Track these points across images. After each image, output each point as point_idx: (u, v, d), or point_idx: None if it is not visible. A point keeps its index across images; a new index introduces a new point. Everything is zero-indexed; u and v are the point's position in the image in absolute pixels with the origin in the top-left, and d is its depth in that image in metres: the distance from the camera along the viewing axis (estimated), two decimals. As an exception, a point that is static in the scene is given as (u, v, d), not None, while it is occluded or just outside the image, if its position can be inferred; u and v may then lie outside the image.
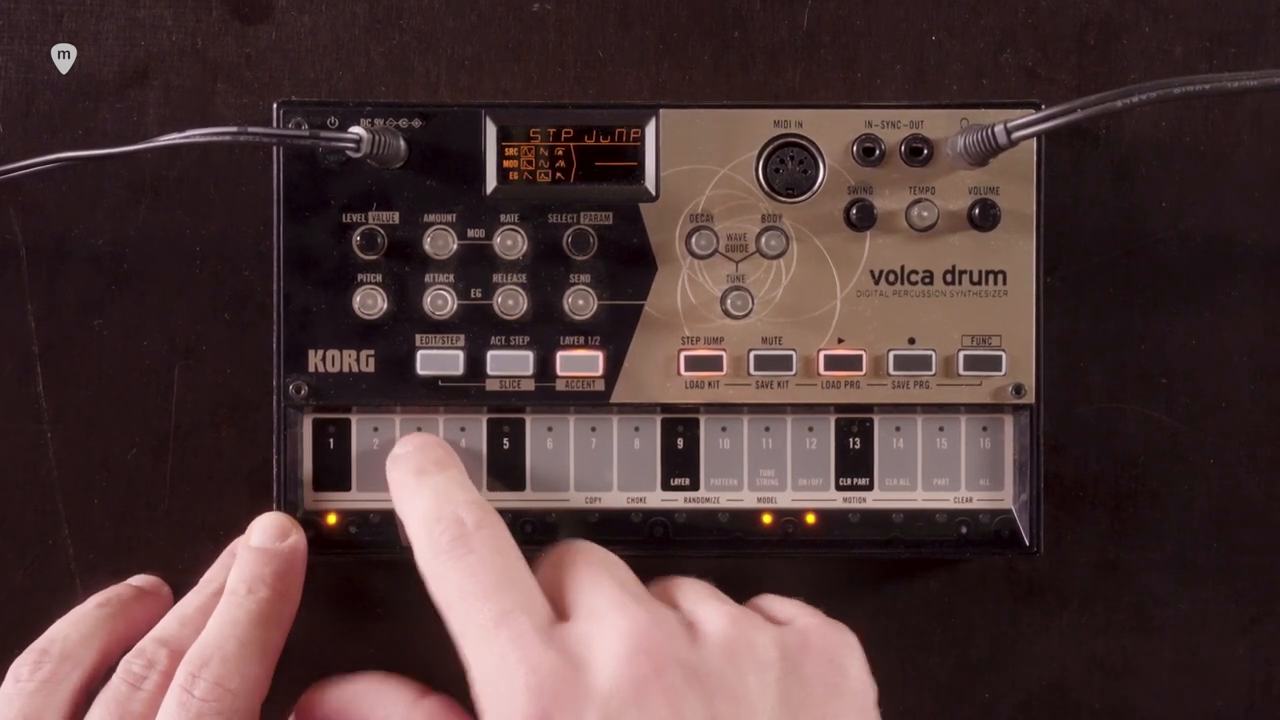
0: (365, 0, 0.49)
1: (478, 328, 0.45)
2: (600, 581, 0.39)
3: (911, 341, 0.45)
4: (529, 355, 0.45)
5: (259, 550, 0.44)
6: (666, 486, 0.47)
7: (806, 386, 0.45)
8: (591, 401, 0.45)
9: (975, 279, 0.45)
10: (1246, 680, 0.50)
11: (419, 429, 0.46)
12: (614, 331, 0.45)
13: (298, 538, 0.44)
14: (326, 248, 0.45)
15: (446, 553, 0.39)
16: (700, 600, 0.40)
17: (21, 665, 0.42)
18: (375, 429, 0.46)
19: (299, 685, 0.48)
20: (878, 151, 0.45)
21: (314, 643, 0.49)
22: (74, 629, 0.43)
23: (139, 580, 0.47)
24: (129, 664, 0.41)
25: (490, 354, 0.45)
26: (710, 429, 0.47)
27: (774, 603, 0.43)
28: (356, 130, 0.43)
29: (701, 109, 0.45)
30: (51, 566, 0.49)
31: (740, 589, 0.49)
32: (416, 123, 0.45)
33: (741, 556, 0.48)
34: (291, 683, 0.48)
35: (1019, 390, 0.45)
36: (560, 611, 0.39)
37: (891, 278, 0.45)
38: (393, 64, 0.49)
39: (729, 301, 0.45)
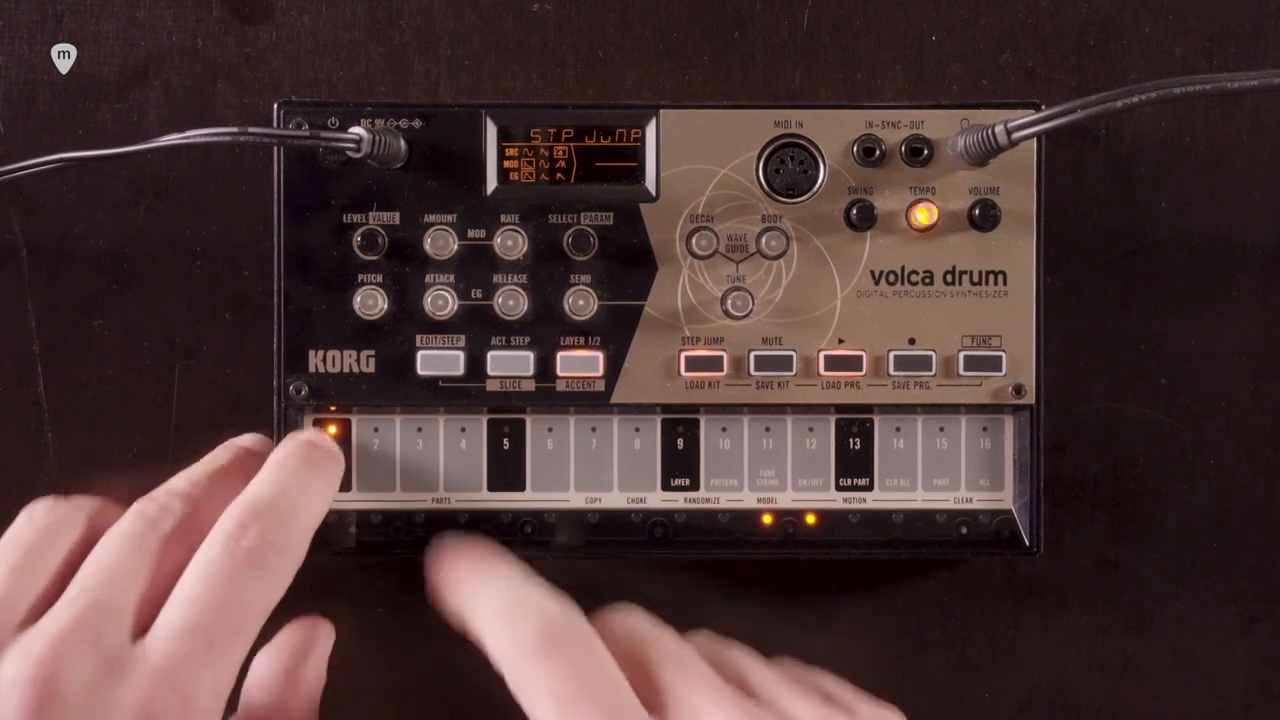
0: (365, 0, 0.49)
1: (478, 328, 0.45)
2: (687, 675, 0.39)
3: (912, 342, 0.45)
4: (529, 356, 0.45)
5: (310, 441, 0.44)
6: (667, 487, 0.47)
7: (807, 387, 0.45)
8: (592, 402, 0.45)
9: (975, 279, 0.45)
10: (1246, 680, 0.50)
11: (420, 429, 0.46)
12: (614, 332, 0.45)
13: (336, 449, 0.45)
14: (327, 248, 0.45)
15: (536, 651, 0.38)
16: (778, 689, 0.40)
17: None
18: (376, 429, 0.46)
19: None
20: (878, 152, 0.45)
21: (314, 643, 0.49)
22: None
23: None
24: (143, 508, 0.41)
25: (491, 354, 0.45)
26: (710, 429, 0.47)
27: (812, 675, 0.43)
28: (357, 130, 0.43)
29: (702, 109, 0.45)
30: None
31: (741, 589, 0.49)
32: (417, 123, 0.45)
33: (742, 557, 0.48)
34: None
35: (1019, 390, 0.45)
36: (646, 704, 0.38)
37: (892, 278, 0.45)
38: (393, 64, 0.49)
39: (729, 302, 0.45)
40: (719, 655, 0.42)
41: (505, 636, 0.39)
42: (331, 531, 0.46)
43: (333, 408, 0.46)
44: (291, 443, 0.44)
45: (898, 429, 0.47)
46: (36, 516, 0.41)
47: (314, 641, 0.44)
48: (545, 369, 0.45)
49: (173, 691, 0.37)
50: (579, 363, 0.45)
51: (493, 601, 0.40)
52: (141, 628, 0.38)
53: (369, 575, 0.49)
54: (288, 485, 0.41)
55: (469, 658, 0.49)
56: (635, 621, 0.41)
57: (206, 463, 0.44)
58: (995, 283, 0.45)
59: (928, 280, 0.45)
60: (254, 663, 0.43)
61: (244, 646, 0.39)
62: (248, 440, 0.46)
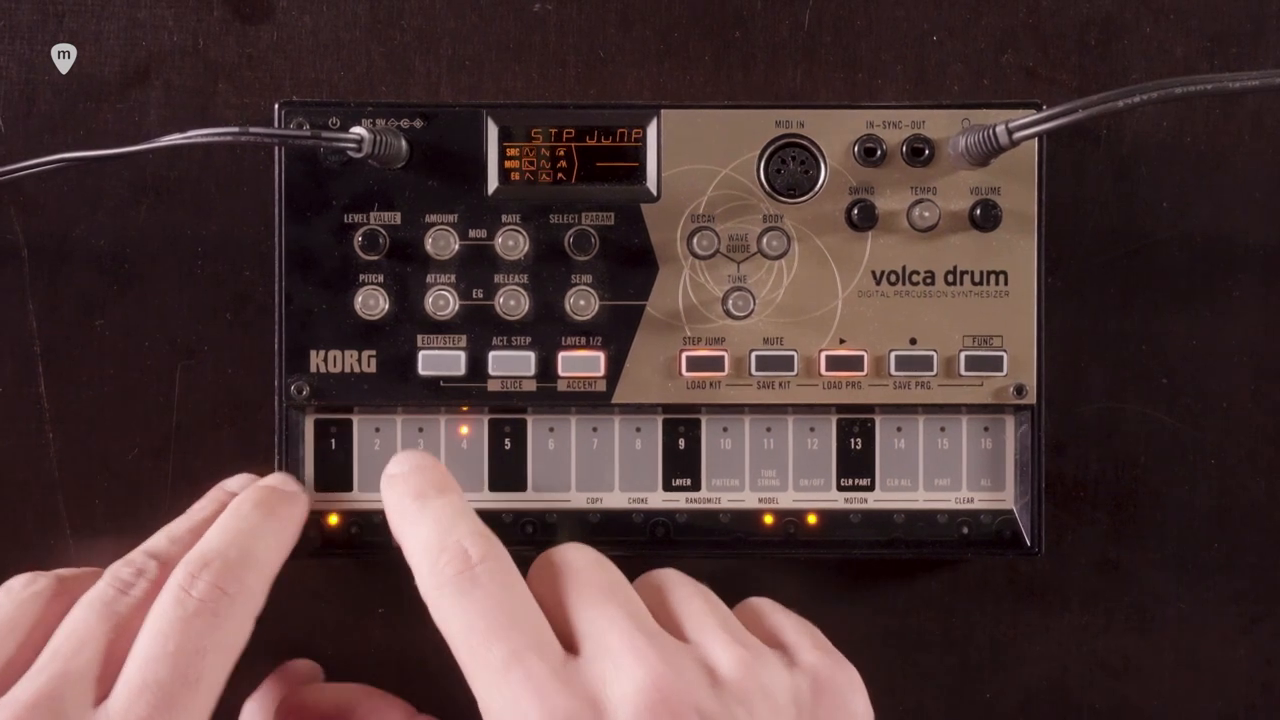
0: (366, 0, 0.49)
1: (479, 328, 0.45)
2: (610, 614, 0.39)
3: (913, 342, 0.45)
4: (530, 356, 0.45)
5: (269, 487, 0.44)
6: (668, 487, 0.47)
7: (808, 387, 0.45)
8: (593, 402, 0.45)
9: (977, 279, 0.45)
10: (1246, 680, 0.50)
11: (420, 430, 0.46)
12: (615, 332, 0.45)
13: (304, 491, 0.45)
14: (328, 248, 0.45)
15: (451, 586, 0.39)
16: (708, 631, 0.40)
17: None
18: (377, 429, 0.46)
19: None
20: (879, 152, 0.45)
21: (314, 643, 0.49)
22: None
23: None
24: (117, 571, 0.41)
25: (492, 354, 0.45)
26: (711, 429, 0.47)
27: (774, 615, 0.42)
28: (358, 130, 0.43)
29: (703, 109, 0.45)
30: (52, 567, 0.48)
31: (741, 590, 0.49)
32: (418, 123, 0.45)
33: (743, 557, 0.48)
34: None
35: (1020, 390, 0.45)
36: (567, 641, 0.38)
37: (893, 278, 0.45)
38: (394, 64, 0.49)
39: (730, 302, 0.45)
40: (664, 595, 0.42)
41: (427, 572, 0.39)
42: (331, 532, 0.46)
43: (334, 408, 0.46)
44: (250, 490, 0.44)
45: (899, 429, 0.47)
46: (14, 591, 0.42)
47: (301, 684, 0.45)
48: (546, 369, 0.45)
49: None
50: (580, 363, 0.45)
51: (420, 538, 0.40)
52: (105, 691, 0.39)
53: (369, 575, 0.49)
54: (240, 530, 0.42)
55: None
56: (573, 557, 0.41)
57: (190, 515, 0.44)
58: (996, 283, 0.45)
59: (929, 280, 0.45)
60: (244, 710, 0.43)
61: (207, 695, 0.39)
62: (235, 483, 0.46)
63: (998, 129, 0.42)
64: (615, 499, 0.47)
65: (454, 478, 0.43)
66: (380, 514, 0.46)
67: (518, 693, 0.36)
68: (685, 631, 0.40)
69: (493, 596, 0.38)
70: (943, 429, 0.47)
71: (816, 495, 0.47)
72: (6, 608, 0.41)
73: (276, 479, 0.45)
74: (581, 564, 0.41)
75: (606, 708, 0.36)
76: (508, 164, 0.45)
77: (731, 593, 0.49)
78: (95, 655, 0.39)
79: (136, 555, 0.42)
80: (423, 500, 0.42)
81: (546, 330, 0.45)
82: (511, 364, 0.45)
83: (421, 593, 0.39)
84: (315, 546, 0.46)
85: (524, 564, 0.48)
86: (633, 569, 0.49)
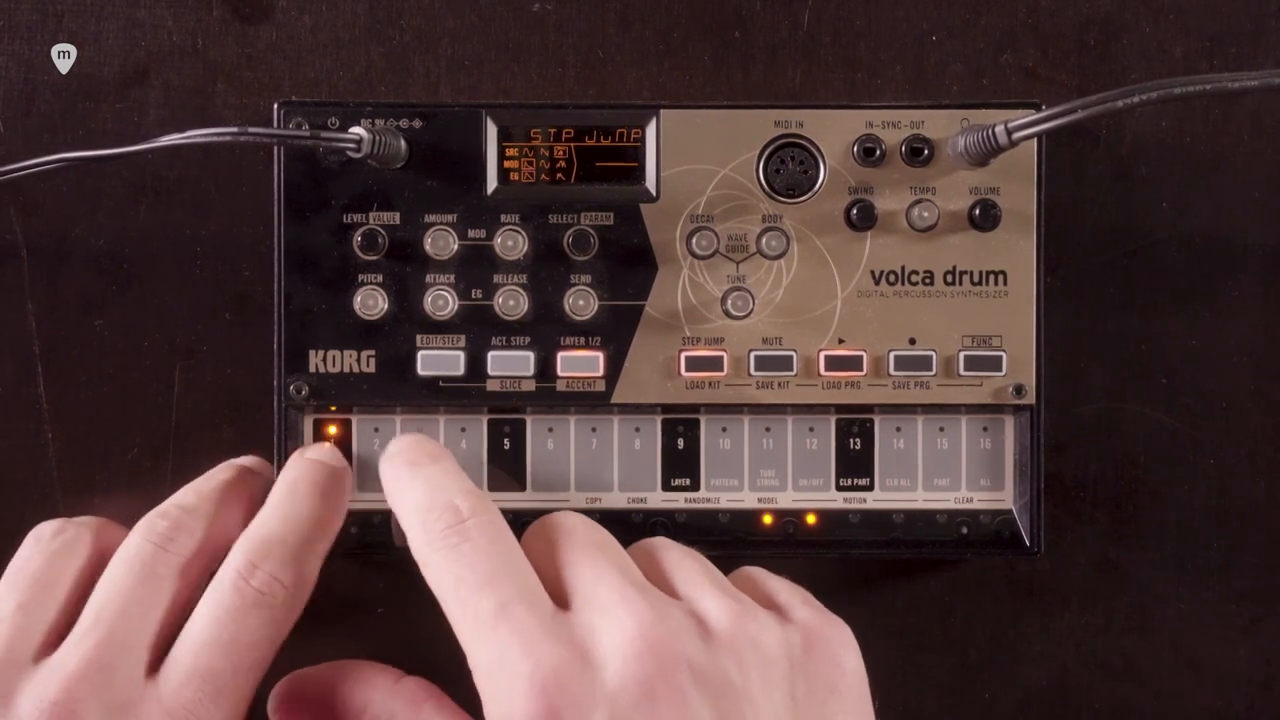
0: (365, 0, 0.49)
1: (478, 328, 0.45)
2: (599, 568, 0.39)
3: (912, 342, 0.45)
4: (529, 356, 0.45)
5: (322, 463, 0.44)
6: (667, 487, 0.47)
7: (807, 387, 0.45)
8: (592, 402, 0.45)
9: (976, 279, 0.45)
10: (1246, 680, 0.50)
11: (420, 430, 0.46)
12: (614, 332, 0.45)
13: (346, 464, 0.45)
14: (327, 248, 0.45)
15: (441, 541, 0.39)
16: (699, 588, 0.40)
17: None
18: (376, 429, 0.46)
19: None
20: (878, 152, 0.45)
21: (314, 644, 0.49)
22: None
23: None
24: (152, 524, 0.41)
25: (491, 354, 0.45)
26: (711, 429, 0.47)
27: (767, 581, 0.42)
28: (357, 130, 0.43)
29: (702, 109, 0.45)
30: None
31: (741, 589, 0.49)
32: (417, 123, 0.45)
33: (742, 557, 0.48)
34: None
35: (1019, 390, 0.45)
36: (558, 597, 0.39)
37: (892, 278, 0.45)
38: (393, 64, 0.49)
39: (729, 302, 0.45)
40: (656, 558, 0.42)
41: (419, 531, 0.40)
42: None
43: (333, 408, 0.46)
44: (301, 465, 0.44)
45: (898, 429, 0.47)
46: (44, 540, 0.41)
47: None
48: (545, 369, 0.45)
49: None
50: (579, 363, 0.45)
51: (411, 499, 0.41)
52: (154, 662, 0.39)
53: (369, 575, 0.49)
54: (299, 517, 0.42)
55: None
56: (565, 519, 0.41)
57: (210, 477, 0.44)
58: (995, 283, 0.45)
59: (928, 280, 0.45)
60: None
61: (254, 684, 0.39)
62: (248, 461, 0.46)
63: (997, 129, 0.42)
64: (614, 499, 0.47)
65: (449, 451, 0.44)
66: (380, 515, 0.46)
67: (505, 644, 0.36)
68: (676, 589, 0.40)
69: (482, 550, 0.38)
70: (942, 429, 0.47)
71: (816, 495, 0.47)
72: (37, 561, 0.41)
73: (324, 453, 0.45)
74: (573, 524, 0.41)
75: (594, 658, 0.36)
76: (507, 164, 0.45)
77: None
78: (141, 623, 0.39)
79: (170, 508, 0.42)
80: (415, 467, 0.42)
81: (545, 330, 0.45)
82: (510, 364, 0.45)
83: (414, 552, 0.40)
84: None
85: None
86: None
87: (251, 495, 0.44)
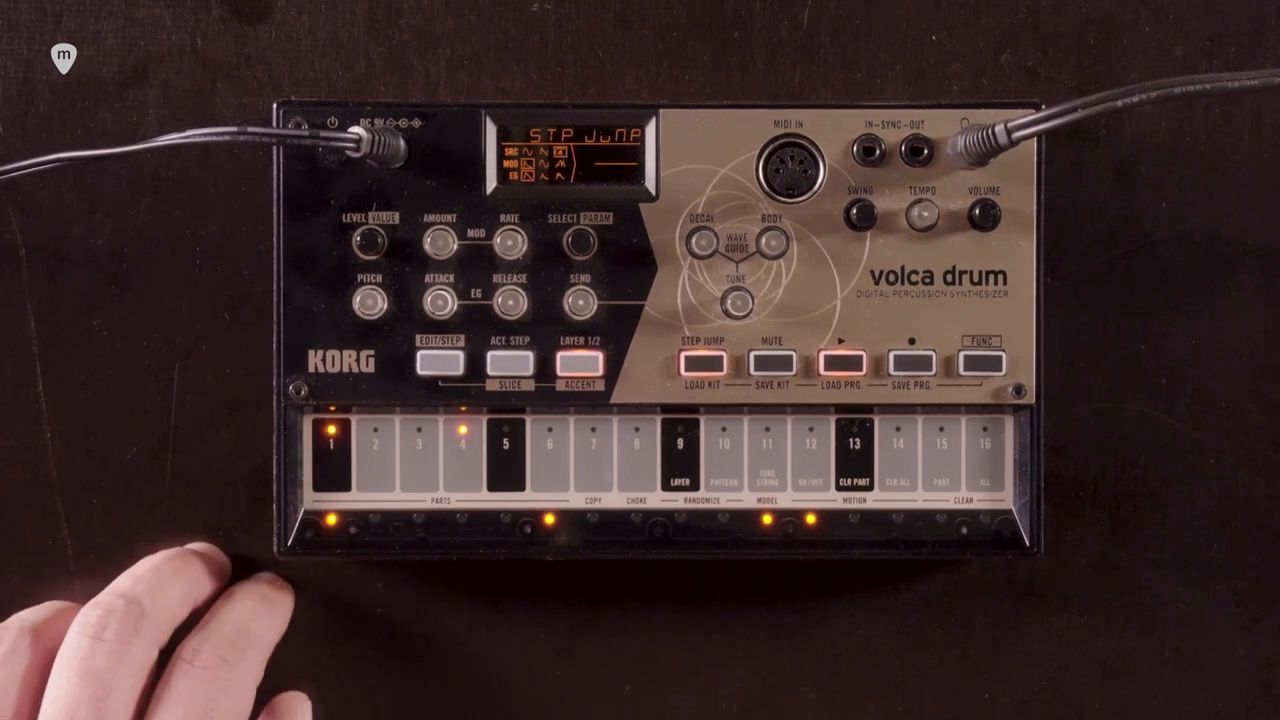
0: (365, 0, 0.48)
1: (478, 328, 0.45)
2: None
3: (912, 342, 0.45)
4: (529, 355, 0.45)
5: (263, 579, 0.48)
6: (666, 487, 0.47)
7: (807, 387, 0.45)
8: (591, 402, 0.45)
9: (975, 279, 0.45)
10: (1246, 680, 0.50)
11: (419, 429, 0.46)
12: (614, 332, 0.45)
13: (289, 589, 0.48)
14: (326, 248, 0.45)
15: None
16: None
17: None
18: (375, 429, 0.46)
19: (296, 684, 0.48)
20: (878, 151, 0.45)
21: (313, 643, 0.49)
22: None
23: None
24: (86, 618, 0.42)
25: (490, 354, 0.45)
26: (710, 429, 0.47)
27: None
28: (356, 130, 0.43)
29: (701, 109, 0.45)
30: (51, 566, 0.49)
31: (741, 589, 0.49)
32: (416, 123, 0.45)
33: (742, 557, 0.48)
34: (290, 681, 0.48)
35: (1019, 390, 0.45)
36: None
37: (892, 278, 0.45)
38: (392, 64, 0.49)
39: (729, 302, 0.45)
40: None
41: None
42: (331, 532, 0.46)
43: (332, 408, 0.46)
44: (243, 584, 0.47)
45: (898, 429, 0.47)
46: None
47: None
48: (545, 369, 0.45)
49: None
50: (579, 362, 0.45)
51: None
52: None
53: (369, 575, 0.49)
54: (236, 610, 0.45)
55: (468, 658, 0.49)
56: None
57: (148, 560, 0.46)
58: (995, 283, 0.45)
59: (928, 280, 0.45)
60: None
61: None
62: (196, 546, 0.48)
63: (997, 129, 0.42)
64: (614, 499, 0.47)
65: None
66: (379, 514, 0.46)
67: None
68: None
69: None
70: (942, 429, 0.47)
71: (815, 495, 0.47)
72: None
73: (267, 577, 0.48)
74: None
75: None
76: (506, 164, 0.45)
77: (732, 592, 0.49)
78: None
79: (104, 597, 0.43)
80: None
81: (545, 330, 0.45)
82: (510, 364, 0.45)
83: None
84: (314, 547, 0.46)
85: (524, 566, 0.48)
86: (632, 569, 0.49)
87: (193, 575, 0.46)
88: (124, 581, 0.44)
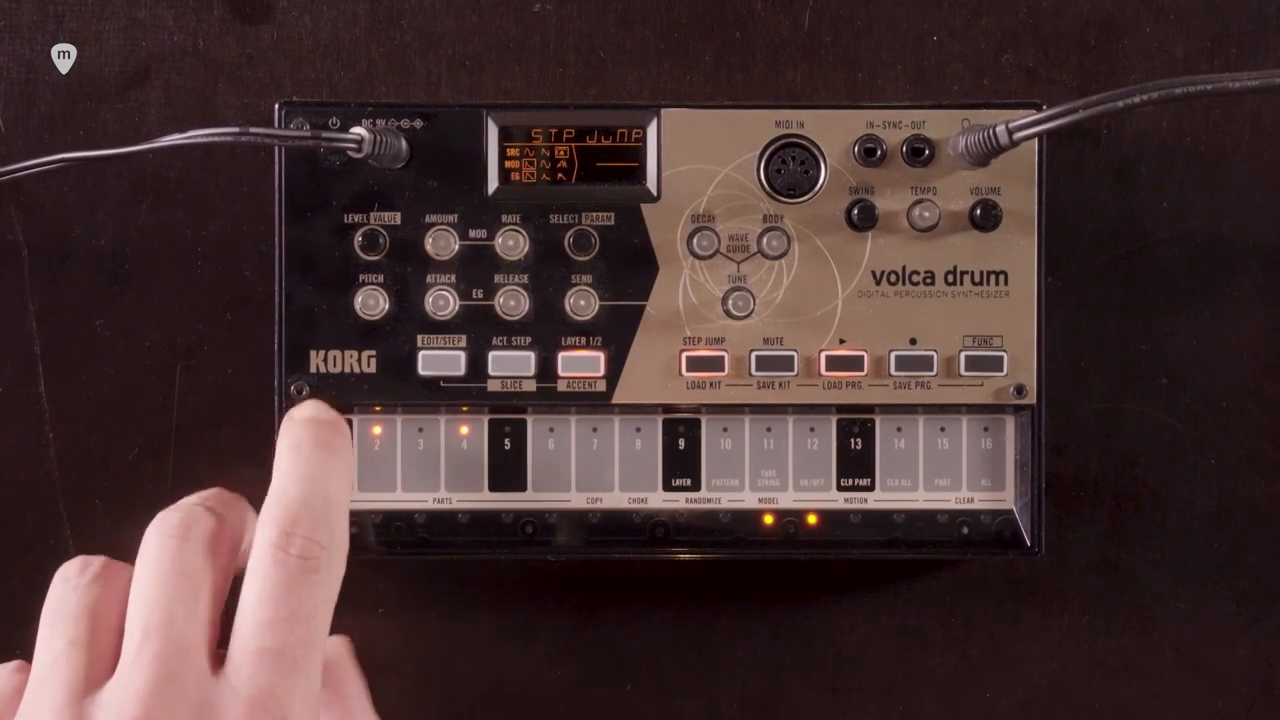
0: (366, 0, 0.48)
1: (479, 328, 0.45)
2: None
3: (913, 342, 0.45)
4: (530, 356, 0.45)
5: (318, 420, 0.43)
6: (668, 487, 0.47)
7: (808, 387, 0.45)
8: (593, 402, 0.45)
9: (977, 279, 0.45)
10: (1246, 680, 0.50)
11: (420, 429, 0.46)
12: (615, 332, 0.45)
13: (335, 414, 0.44)
14: (328, 248, 0.45)
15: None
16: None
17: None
18: (377, 430, 0.46)
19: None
20: (879, 152, 0.45)
21: (315, 643, 0.49)
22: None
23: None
24: (164, 519, 0.40)
25: (492, 354, 0.45)
26: (711, 429, 0.47)
27: None
28: (358, 130, 0.43)
29: (703, 109, 0.45)
30: (52, 567, 0.48)
31: (740, 590, 0.49)
32: (418, 123, 0.45)
33: (743, 557, 0.48)
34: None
35: (1020, 390, 0.45)
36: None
37: (893, 278, 0.45)
38: (394, 64, 0.49)
39: (730, 302, 0.45)
40: None
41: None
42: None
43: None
44: (297, 427, 0.43)
45: (899, 429, 0.47)
46: (73, 578, 0.40)
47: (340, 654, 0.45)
48: (546, 369, 0.45)
49: (270, 717, 0.37)
50: (580, 363, 0.45)
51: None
52: (215, 655, 0.38)
53: (369, 575, 0.49)
54: (313, 475, 0.41)
55: (468, 657, 0.49)
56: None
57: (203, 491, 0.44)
58: (996, 283, 0.45)
59: (929, 280, 0.45)
60: None
61: (321, 652, 0.38)
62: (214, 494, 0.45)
63: (998, 129, 0.42)
64: (615, 499, 0.47)
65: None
66: (379, 514, 0.46)
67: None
68: None
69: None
70: (943, 429, 0.47)
71: (816, 495, 0.47)
72: (74, 598, 0.40)
73: (315, 409, 0.44)
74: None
75: None
76: (508, 164, 0.45)
77: (732, 592, 0.49)
78: (190, 620, 0.38)
79: (179, 504, 0.41)
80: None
81: (546, 330, 0.45)
82: (511, 364, 0.45)
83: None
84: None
85: (526, 568, 0.48)
86: (633, 569, 0.49)
87: (243, 508, 0.44)
88: (189, 497, 0.42)
